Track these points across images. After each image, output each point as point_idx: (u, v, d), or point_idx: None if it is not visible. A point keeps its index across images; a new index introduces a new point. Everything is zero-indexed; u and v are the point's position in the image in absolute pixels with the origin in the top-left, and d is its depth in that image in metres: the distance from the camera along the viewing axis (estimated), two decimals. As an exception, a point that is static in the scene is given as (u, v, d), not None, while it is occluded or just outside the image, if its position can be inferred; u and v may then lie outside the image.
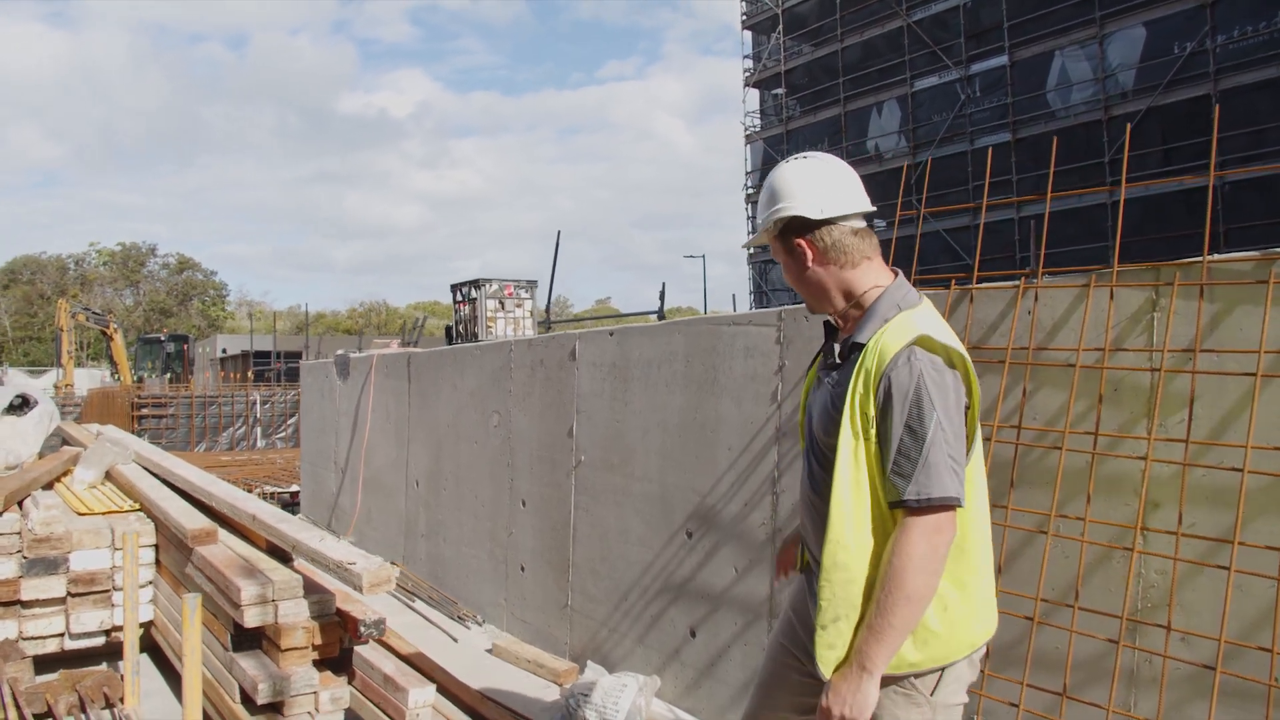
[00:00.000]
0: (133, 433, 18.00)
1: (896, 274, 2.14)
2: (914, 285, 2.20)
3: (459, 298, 16.86)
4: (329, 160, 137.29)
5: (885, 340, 1.96)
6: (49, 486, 5.53)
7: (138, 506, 5.02)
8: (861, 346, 2.00)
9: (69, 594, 4.57)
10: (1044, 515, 2.71)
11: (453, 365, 6.31)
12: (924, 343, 1.93)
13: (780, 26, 34.17)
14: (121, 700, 3.90)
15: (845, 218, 2.09)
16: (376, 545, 7.42)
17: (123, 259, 73.40)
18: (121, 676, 4.18)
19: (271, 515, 4.06)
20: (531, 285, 16.33)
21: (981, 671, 2.73)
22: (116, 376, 29.21)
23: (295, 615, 3.65)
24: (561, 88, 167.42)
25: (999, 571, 2.78)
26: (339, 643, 3.76)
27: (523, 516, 5.48)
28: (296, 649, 3.62)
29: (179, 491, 5.03)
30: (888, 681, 1.95)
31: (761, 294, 35.72)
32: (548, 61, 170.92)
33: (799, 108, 34.92)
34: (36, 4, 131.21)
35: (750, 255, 37.09)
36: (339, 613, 3.77)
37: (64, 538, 4.52)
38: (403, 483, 6.98)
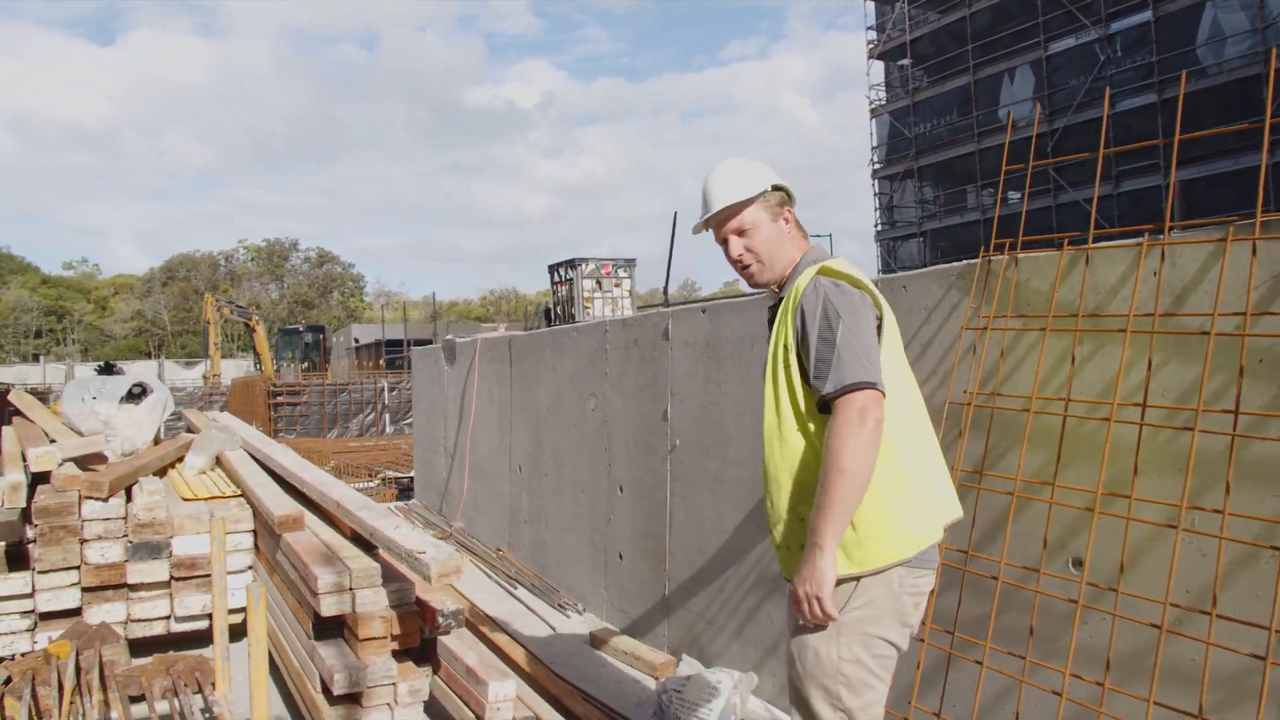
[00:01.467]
0: (269, 420, 18.81)
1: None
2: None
3: (556, 278, 16.74)
4: (459, 152, 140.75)
5: (799, 282, 2.32)
6: (162, 473, 5.69)
7: (239, 493, 5.10)
8: (784, 297, 2.36)
9: (172, 578, 4.67)
10: (1174, 507, 2.35)
11: (551, 348, 6.20)
12: (825, 271, 2.29)
13: (905, -6, 32.95)
14: (213, 686, 3.93)
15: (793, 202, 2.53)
16: (484, 530, 7.41)
17: (268, 254, 77.12)
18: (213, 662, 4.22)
19: (354, 502, 4.02)
20: (630, 264, 16.09)
21: (1101, 685, 2.40)
22: (259, 366, 30.64)
23: (373, 604, 3.58)
24: (684, 71, 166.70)
25: (1121, 569, 2.44)
26: (419, 632, 3.68)
27: (620, 503, 5.32)
28: (375, 639, 3.55)
29: (278, 479, 5.08)
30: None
31: (890, 272, 34.65)
32: (670, 45, 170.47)
33: (926, 78, 33.63)
34: (188, 16, 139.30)
35: (879, 232, 36.03)
36: (418, 602, 3.69)
37: (165, 523, 4.61)
38: (506, 468, 6.93)
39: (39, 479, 4.87)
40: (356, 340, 41.64)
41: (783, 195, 2.50)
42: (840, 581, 2.16)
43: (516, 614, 5.63)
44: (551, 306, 16.99)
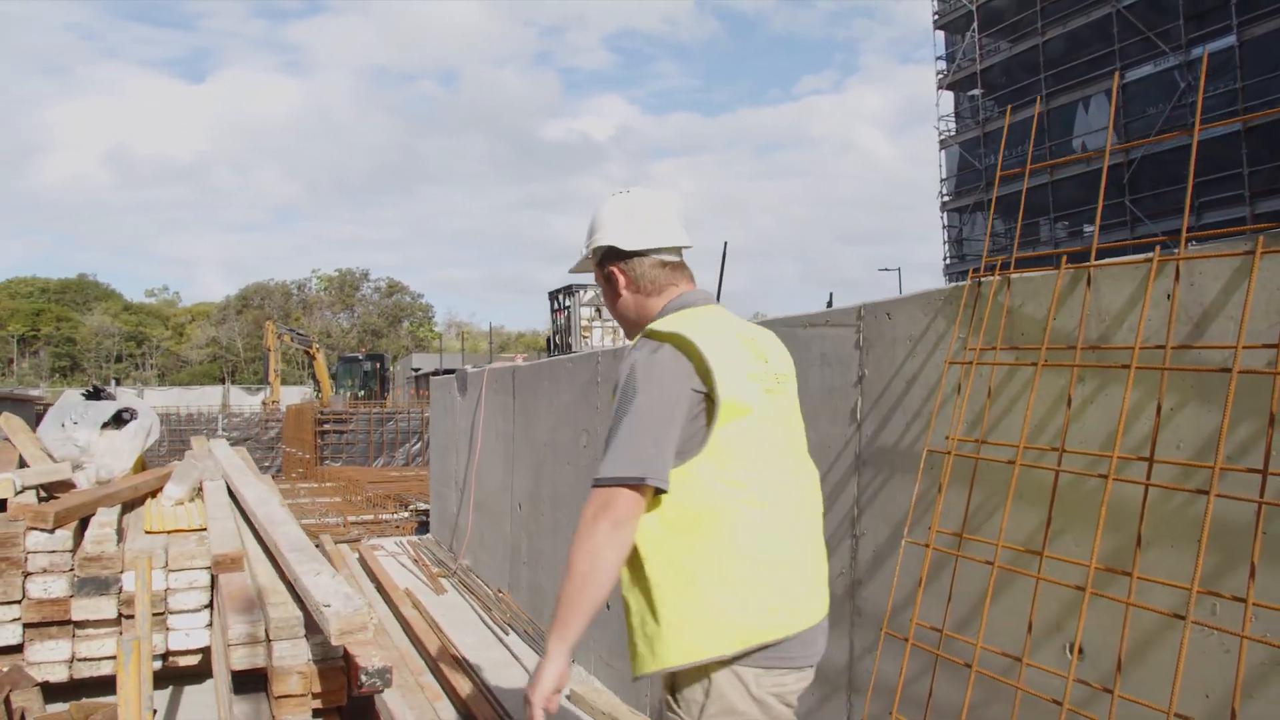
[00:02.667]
0: (316, 446, 18.79)
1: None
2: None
3: (555, 306, 16.20)
4: (535, 185, 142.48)
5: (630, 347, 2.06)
6: (140, 502, 5.44)
7: (204, 526, 4.80)
8: None
9: (121, 615, 4.37)
10: (1183, 592, 1.85)
11: (549, 379, 5.82)
12: (649, 334, 1.98)
13: (975, 24, 32.23)
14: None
15: (654, 250, 2.16)
16: (488, 570, 7.03)
17: (339, 284, 78.71)
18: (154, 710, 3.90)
19: (291, 543, 3.67)
20: None
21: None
22: (319, 393, 30.92)
23: (291, 658, 3.21)
24: (758, 105, 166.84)
25: (1119, 666, 1.94)
26: (344, 690, 3.30)
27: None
28: (290, 696, 3.17)
29: (245, 513, 4.78)
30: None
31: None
32: (743, 79, 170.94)
33: (996, 108, 32.77)
34: (275, 55, 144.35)
35: (947, 266, 35.08)
36: (346, 657, 3.31)
37: (114, 557, 4.33)
38: (509, 505, 6.55)
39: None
40: (416, 369, 41.90)
41: (616, 252, 2.19)
42: (685, 685, 1.93)
43: (500, 664, 5.22)
44: (551, 336, 16.56)
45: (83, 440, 5.42)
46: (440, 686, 4.58)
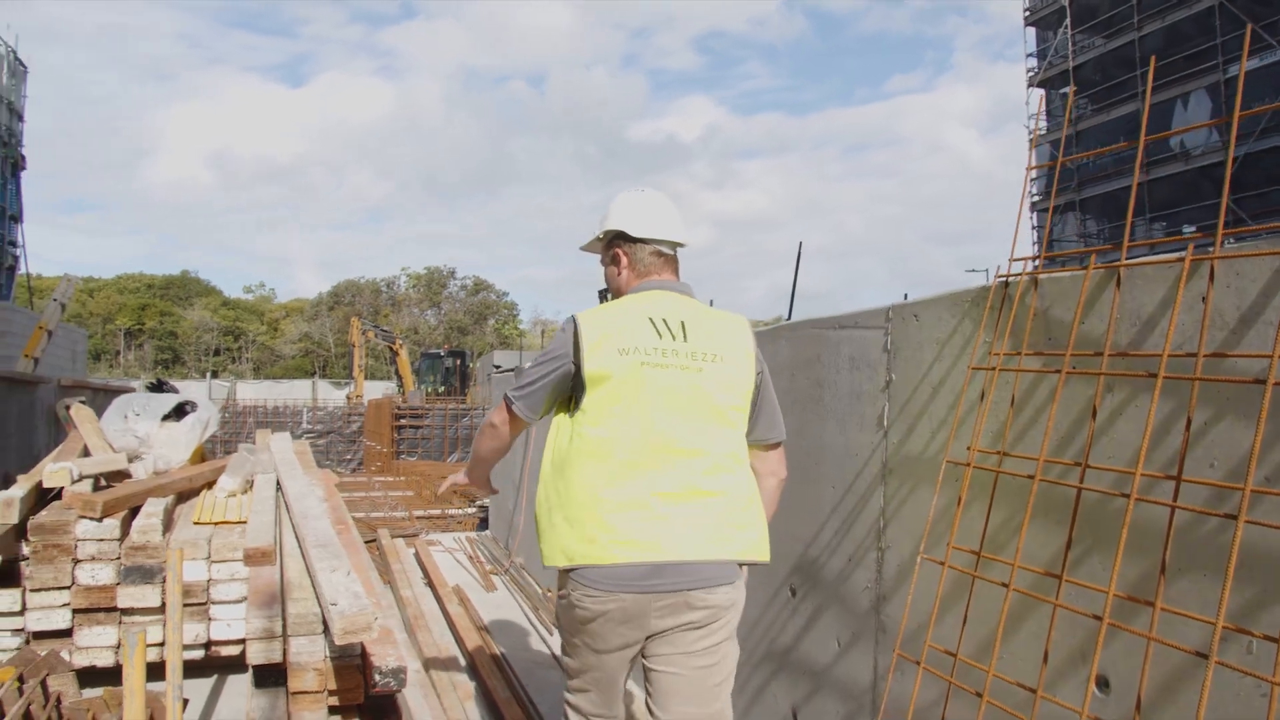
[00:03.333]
0: (393, 441, 19.09)
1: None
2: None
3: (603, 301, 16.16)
4: (622, 185, 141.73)
5: None
6: (196, 494, 5.55)
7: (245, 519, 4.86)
8: None
9: (164, 604, 4.44)
10: (1207, 626, 1.67)
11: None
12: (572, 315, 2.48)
13: (1068, 19, 31.17)
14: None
15: (655, 241, 2.60)
16: (538, 571, 7.00)
17: (426, 281, 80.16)
18: (184, 700, 3.95)
19: (317, 538, 3.67)
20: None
21: None
22: (401, 389, 31.50)
23: (309, 655, 3.20)
24: (846, 105, 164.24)
25: (1138, 704, 1.77)
26: (361, 688, 3.28)
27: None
28: (307, 692, 3.17)
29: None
30: None
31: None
32: (831, 79, 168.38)
33: (1090, 106, 31.65)
34: (371, 59, 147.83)
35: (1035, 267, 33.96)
36: (363, 655, 3.29)
37: (159, 546, 4.40)
38: (559, 504, 6.51)
39: (57, 495, 4.77)
40: (497, 366, 42.35)
41: (624, 235, 2.62)
42: (558, 588, 2.48)
43: (540, 664, 5.17)
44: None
45: (142, 432, 5.55)
46: (474, 685, 4.55)
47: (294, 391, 42.01)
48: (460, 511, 11.55)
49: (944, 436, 2.51)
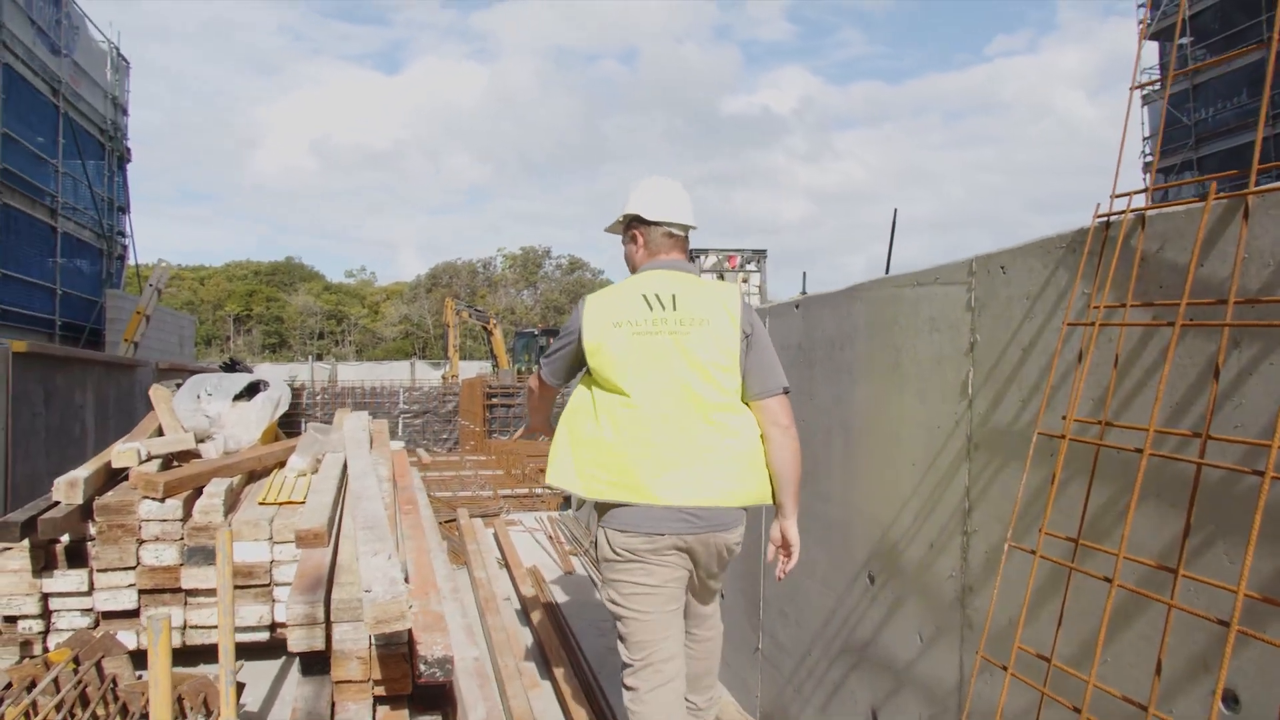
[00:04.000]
0: (484, 420, 19.18)
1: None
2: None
3: None
4: (717, 161, 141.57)
5: None
6: (266, 473, 5.51)
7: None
8: None
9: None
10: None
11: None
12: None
13: (1184, -36, 29.30)
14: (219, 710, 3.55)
15: (666, 224, 2.99)
16: (617, 549, 6.80)
17: (522, 262, 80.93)
18: (239, 684, 3.87)
19: (366, 519, 3.52)
20: (760, 255, 14.66)
21: None
22: (496, 368, 31.77)
23: (353, 642, 3.05)
24: (945, 70, 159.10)
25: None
26: (408, 678, 3.11)
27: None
28: (350, 681, 3.02)
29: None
30: None
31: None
32: (930, 44, 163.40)
33: (1208, 56, 29.72)
34: (463, 43, 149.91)
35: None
36: (410, 643, 3.12)
37: (220, 527, 4.34)
38: (635, 483, 6.29)
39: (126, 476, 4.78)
40: (590, 344, 42.16)
41: (639, 219, 3.03)
42: (594, 530, 2.92)
43: (614, 649, 4.96)
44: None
45: (213, 411, 5.53)
46: (540, 673, 4.37)
47: (393, 373, 42.87)
48: (546, 490, 11.46)
49: (1036, 405, 2.17)
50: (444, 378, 30.96)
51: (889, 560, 2.93)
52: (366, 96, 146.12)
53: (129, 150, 19.91)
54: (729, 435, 2.71)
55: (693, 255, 15.27)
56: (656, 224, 2.98)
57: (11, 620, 4.30)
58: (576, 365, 2.93)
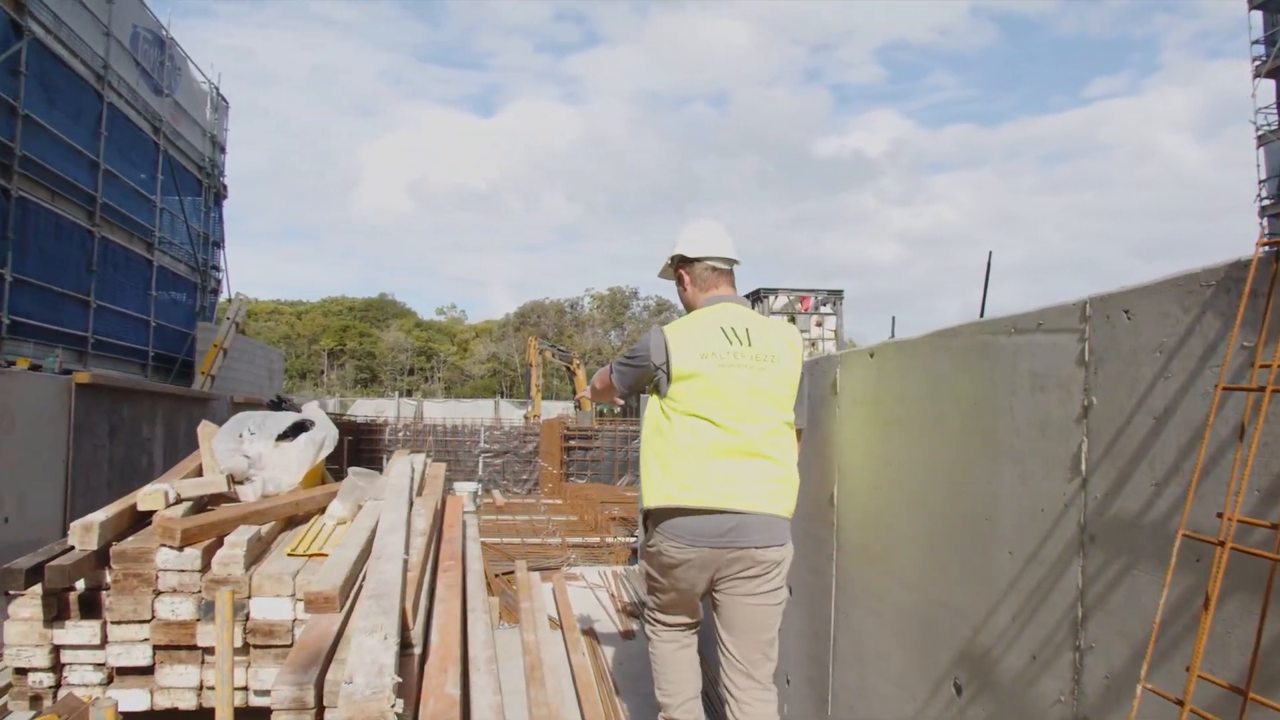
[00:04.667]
0: (562, 462, 18.88)
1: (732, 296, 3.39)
2: None
3: None
4: (807, 204, 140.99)
5: None
6: (307, 518, 5.20)
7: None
8: None
9: (248, 644, 4.05)
10: None
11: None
12: (661, 325, 3.31)
13: (1305, 0, 27.86)
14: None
15: (708, 259, 3.35)
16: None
17: (610, 302, 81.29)
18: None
19: (376, 587, 3.14)
20: (836, 296, 13.90)
21: None
22: (578, 408, 31.56)
23: (343, 734, 2.64)
24: (1041, 113, 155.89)
25: None
26: (406, 780, 2.68)
27: (789, 608, 4.02)
28: (338, 782, 2.60)
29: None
30: None
31: None
32: (1024, 87, 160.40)
33: (1333, 96, 28.12)
34: (556, 87, 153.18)
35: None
36: (413, 736, 2.70)
37: (240, 581, 4.02)
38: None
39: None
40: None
41: (684, 259, 3.40)
42: (641, 529, 3.39)
43: (664, 732, 4.46)
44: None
45: (253, 452, 5.27)
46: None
47: (478, 411, 43.09)
48: (616, 540, 11.02)
49: (1177, 492, 1.66)
50: (526, 417, 30.85)
51: (979, 668, 2.40)
52: (462, 138, 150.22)
53: (225, 187, 20.43)
54: (784, 453, 3.15)
55: (762, 295, 14.75)
56: (699, 260, 3.33)
57: (22, 672, 4.04)
58: (642, 386, 3.29)
